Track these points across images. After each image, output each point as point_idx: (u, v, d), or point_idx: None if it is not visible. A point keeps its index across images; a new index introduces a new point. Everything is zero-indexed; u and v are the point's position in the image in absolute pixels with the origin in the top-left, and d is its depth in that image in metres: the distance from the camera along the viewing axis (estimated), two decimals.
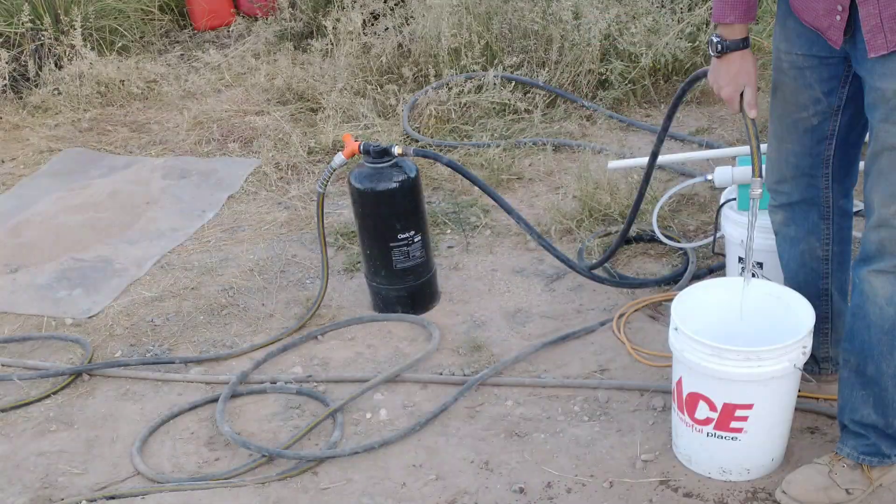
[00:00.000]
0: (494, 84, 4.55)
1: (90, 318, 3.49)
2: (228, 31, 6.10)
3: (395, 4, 5.38)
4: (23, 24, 5.21)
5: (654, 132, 4.31)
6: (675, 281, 3.32)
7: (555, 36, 4.68)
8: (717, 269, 3.32)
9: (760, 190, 2.34)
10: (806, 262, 2.55)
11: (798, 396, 2.50)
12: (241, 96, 5.15)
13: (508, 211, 3.19)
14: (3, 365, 3.26)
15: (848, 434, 2.39)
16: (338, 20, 5.18)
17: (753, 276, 2.51)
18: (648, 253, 3.55)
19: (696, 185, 3.71)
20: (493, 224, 3.82)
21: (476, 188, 3.44)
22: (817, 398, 2.73)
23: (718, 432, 2.44)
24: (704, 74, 2.64)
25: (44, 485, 2.74)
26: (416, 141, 4.42)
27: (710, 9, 3.02)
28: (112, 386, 3.13)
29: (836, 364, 2.66)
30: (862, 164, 2.35)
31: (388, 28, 5.07)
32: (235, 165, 4.49)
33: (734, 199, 2.96)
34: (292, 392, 3.00)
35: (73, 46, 5.28)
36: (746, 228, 2.41)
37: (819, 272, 2.56)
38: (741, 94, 2.30)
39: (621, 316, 3.19)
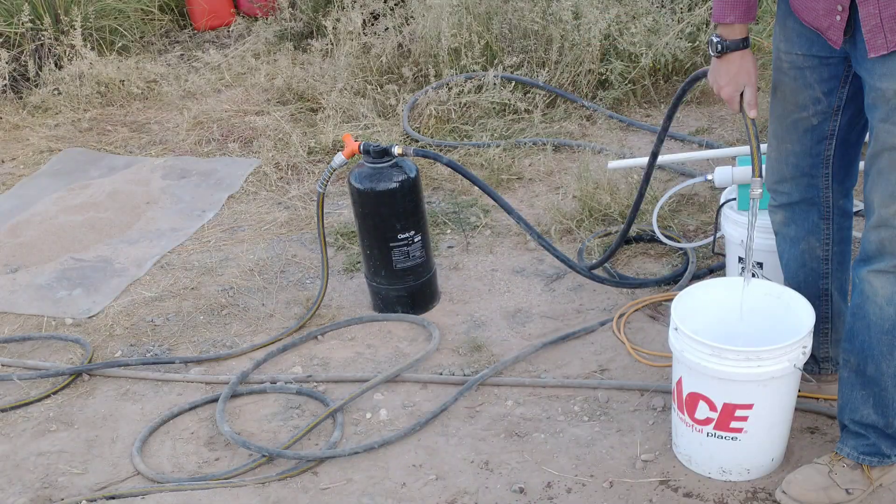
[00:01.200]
0: (494, 84, 4.55)
1: (90, 318, 3.49)
2: (228, 31, 6.10)
3: (395, 4, 5.38)
4: (23, 24, 5.22)
5: (654, 132, 4.32)
6: (675, 281, 3.32)
7: (555, 36, 4.68)
8: (717, 269, 3.32)
9: (760, 190, 2.34)
10: (806, 262, 2.55)
11: (798, 396, 2.50)
12: (241, 96, 5.15)
13: (508, 211, 3.19)
14: (3, 365, 3.26)
15: (848, 434, 2.40)
16: (338, 20, 5.18)
17: (753, 276, 2.51)
18: (648, 253, 3.55)
19: (696, 185, 3.71)
20: (493, 224, 3.82)
21: (476, 188, 3.44)
22: (817, 398, 2.73)
23: (718, 432, 2.44)
24: (704, 74, 2.64)
25: (44, 485, 2.74)
26: (416, 141, 4.42)
27: (710, 9, 3.02)
28: (112, 386, 3.13)
29: (836, 364, 2.66)
30: (862, 164, 2.34)
31: (388, 28, 5.07)
32: (235, 165, 4.49)
33: (734, 199, 2.96)
34: (292, 392, 3.00)
35: (73, 46, 5.28)
36: (746, 228, 2.41)
37: (819, 272, 2.56)
38: (741, 94, 2.30)
39: (621, 316, 3.19)
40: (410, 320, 3.30)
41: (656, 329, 3.12)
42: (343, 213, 3.98)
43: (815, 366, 2.71)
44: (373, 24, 5.24)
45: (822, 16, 2.17)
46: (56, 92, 5.23)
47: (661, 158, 3.32)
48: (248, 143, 4.66)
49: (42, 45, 5.38)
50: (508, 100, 4.51)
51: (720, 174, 3.05)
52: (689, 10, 4.85)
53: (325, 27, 5.18)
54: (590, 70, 4.66)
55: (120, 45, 5.72)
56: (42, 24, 5.37)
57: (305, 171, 4.35)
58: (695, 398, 2.42)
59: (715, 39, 2.26)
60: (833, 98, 2.30)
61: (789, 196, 2.49)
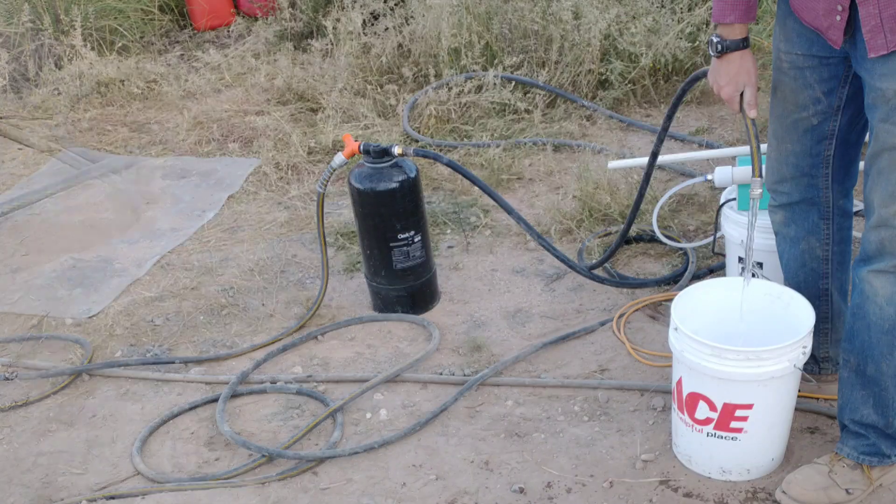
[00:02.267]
0: (494, 84, 4.55)
1: (90, 318, 3.49)
2: (228, 31, 6.10)
3: (395, 4, 5.38)
4: (23, 24, 5.22)
5: (654, 132, 4.32)
6: (675, 281, 3.32)
7: (555, 36, 4.68)
8: (717, 269, 3.32)
9: (760, 190, 2.34)
10: (806, 262, 2.55)
11: (798, 396, 2.50)
12: (241, 96, 5.15)
13: (508, 211, 3.19)
14: (2, 365, 3.26)
15: (848, 434, 2.40)
16: (338, 20, 5.18)
17: (753, 276, 2.51)
18: (648, 253, 3.55)
19: (696, 185, 3.71)
20: (493, 224, 3.82)
21: (476, 188, 3.44)
22: (817, 398, 2.73)
23: (718, 432, 2.44)
24: (704, 74, 2.64)
25: (44, 485, 2.74)
26: (416, 141, 4.42)
27: (710, 9, 3.02)
28: (112, 386, 3.13)
29: (836, 364, 2.66)
30: (862, 164, 2.35)
31: (388, 28, 5.07)
32: (235, 165, 4.49)
33: (734, 199, 2.96)
34: (292, 392, 3.00)
35: (73, 46, 5.29)
36: (746, 228, 2.41)
37: (819, 272, 2.56)
38: (741, 94, 2.30)
39: (621, 316, 3.19)
40: (410, 320, 3.30)
41: (656, 329, 3.12)
42: (343, 213, 3.98)
43: (815, 366, 2.71)
44: (373, 24, 5.24)
45: (822, 16, 2.17)
46: (56, 92, 5.23)
47: (661, 158, 3.32)
48: (248, 143, 4.66)
49: (42, 45, 5.38)
50: (508, 100, 4.51)
51: (720, 174, 3.05)
52: (689, 10, 4.85)
53: (325, 27, 5.18)
54: (590, 70, 4.66)
55: (120, 45, 5.72)
56: (42, 24, 5.37)
57: (305, 171, 4.35)
58: (695, 398, 2.42)
59: (715, 39, 2.26)
60: (833, 98, 2.30)
61: (789, 196, 2.49)
